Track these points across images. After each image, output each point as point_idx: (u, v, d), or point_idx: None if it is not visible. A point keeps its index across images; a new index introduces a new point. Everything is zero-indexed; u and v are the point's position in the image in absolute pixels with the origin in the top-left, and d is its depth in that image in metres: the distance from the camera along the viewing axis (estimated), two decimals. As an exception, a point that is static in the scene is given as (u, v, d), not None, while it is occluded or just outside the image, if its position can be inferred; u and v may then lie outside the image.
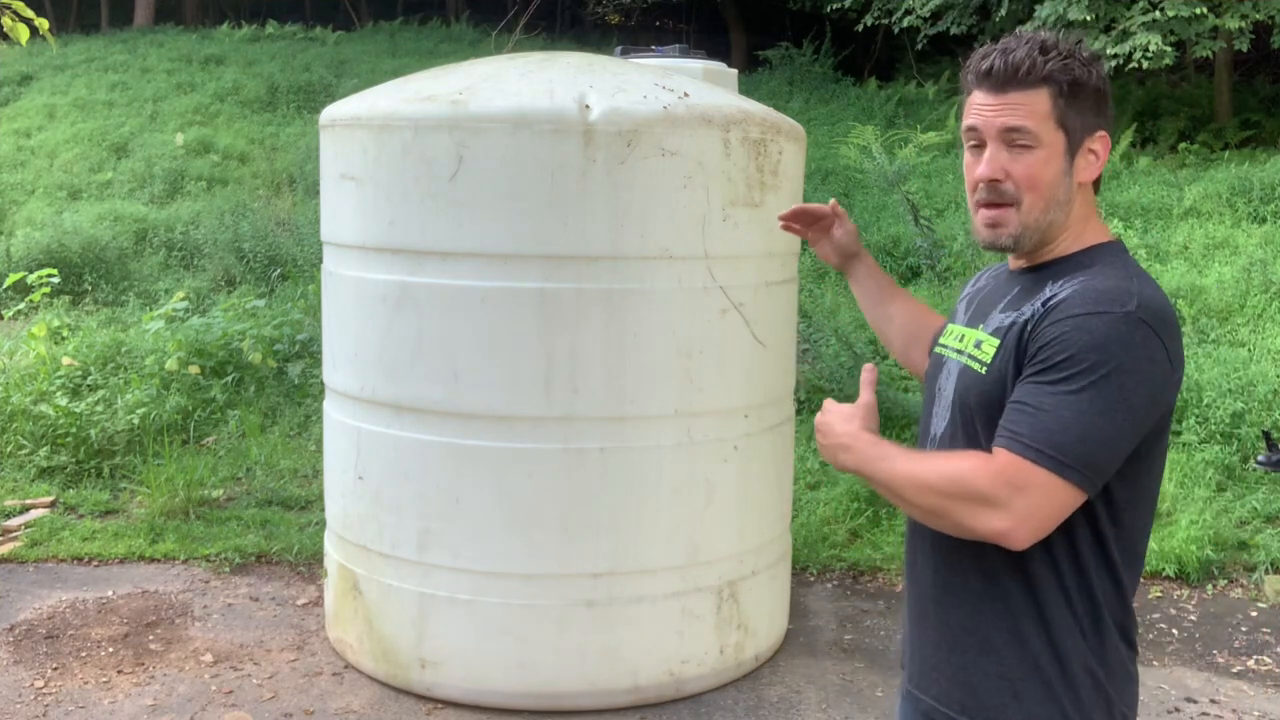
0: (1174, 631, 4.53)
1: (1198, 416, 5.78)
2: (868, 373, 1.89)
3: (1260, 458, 4.03)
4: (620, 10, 19.51)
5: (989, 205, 1.76)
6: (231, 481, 5.84)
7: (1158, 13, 8.84)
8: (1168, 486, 5.31)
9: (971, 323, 1.88)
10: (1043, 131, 1.72)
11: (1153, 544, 4.95)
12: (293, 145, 11.33)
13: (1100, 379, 1.59)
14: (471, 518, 3.65)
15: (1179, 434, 5.70)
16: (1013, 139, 1.72)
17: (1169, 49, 8.82)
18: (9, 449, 5.92)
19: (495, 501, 3.63)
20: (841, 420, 1.82)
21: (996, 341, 1.75)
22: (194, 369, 6.51)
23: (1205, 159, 9.66)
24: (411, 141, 3.57)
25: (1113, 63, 8.99)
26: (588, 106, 3.51)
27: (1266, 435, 4.00)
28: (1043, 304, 1.70)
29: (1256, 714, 3.91)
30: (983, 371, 1.75)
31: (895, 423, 5.91)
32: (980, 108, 1.75)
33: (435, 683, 3.78)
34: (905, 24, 11.39)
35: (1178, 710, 3.91)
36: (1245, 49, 9.38)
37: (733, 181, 3.65)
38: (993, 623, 1.76)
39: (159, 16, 18.13)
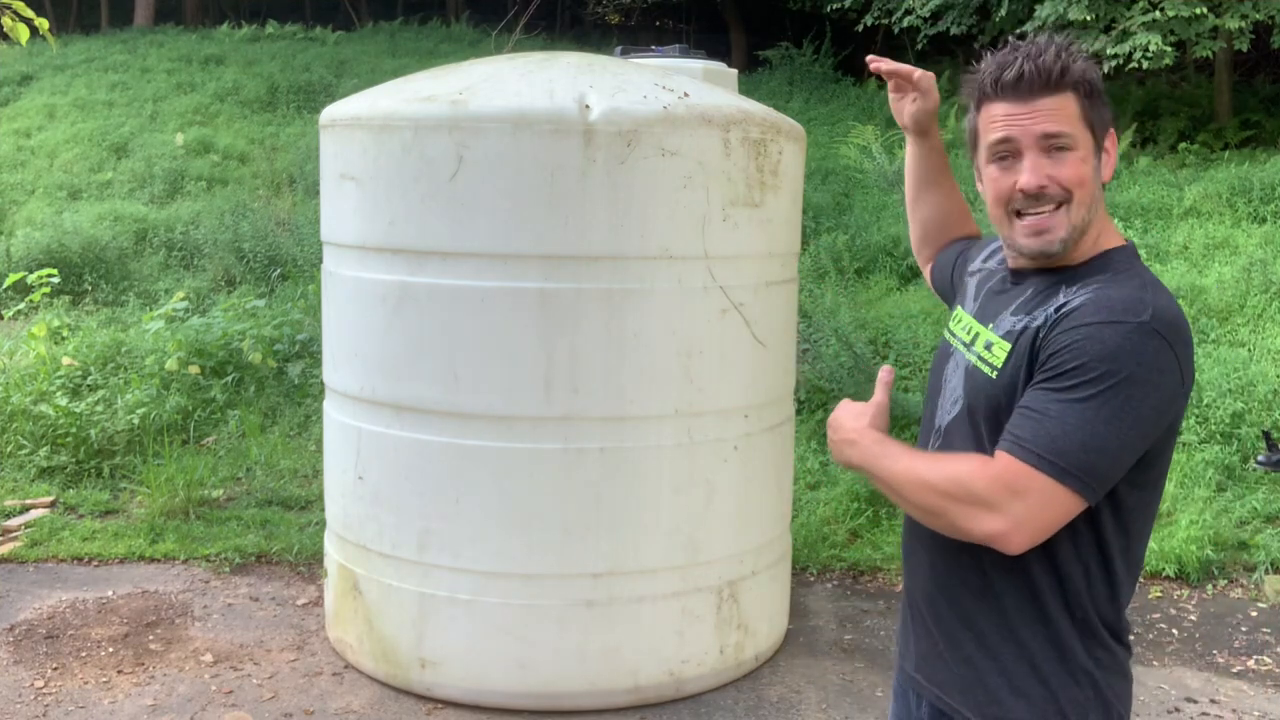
0: (1174, 631, 4.53)
1: (1198, 416, 5.78)
2: (885, 374, 1.90)
3: (1260, 458, 4.03)
4: (620, 10, 19.51)
5: (1029, 214, 1.73)
6: (231, 481, 5.84)
7: (1158, 13, 8.84)
8: (1168, 487, 5.31)
9: (981, 317, 1.87)
10: (1077, 133, 1.71)
11: (1153, 544, 4.95)
12: (293, 145, 11.33)
13: (1109, 388, 1.58)
14: (471, 518, 3.65)
15: (1179, 434, 5.70)
16: (1052, 144, 1.70)
17: (1169, 49, 8.82)
18: (9, 449, 5.92)
19: (495, 501, 3.63)
20: (851, 417, 1.84)
21: (1008, 346, 1.74)
22: (194, 369, 6.51)
23: (1205, 159, 9.66)
24: (411, 141, 3.57)
25: (1113, 63, 8.98)
26: (588, 106, 3.51)
27: (1266, 435, 4.01)
28: (1055, 310, 1.69)
29: (1256, 714, 3.91)
30: (993, 376, 1.74)
31: (895, 422, 5.92)
32: (1011, 118, 1.71)
33: (435, 683, 3.78)
34: (905, 24, 11.39)
35: (1178, 710, 3.91)
36: (1245, 49, 9.38)
37: (733, 181, 3.65)
38: (990, 621, 1.77)
39: (159, 16, 18.12)
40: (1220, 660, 4.30)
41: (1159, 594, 4.85)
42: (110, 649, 4.17)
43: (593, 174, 3.49)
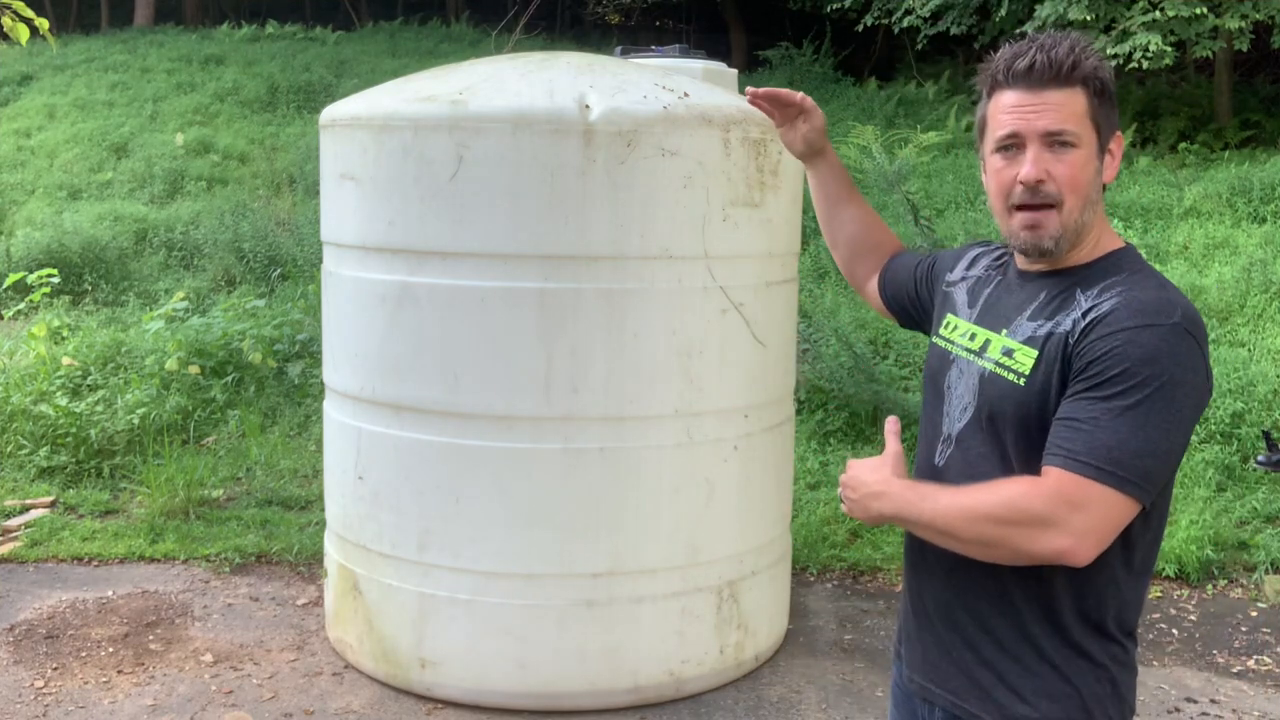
0: (1174, 631, 4.53)
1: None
2: (892, 424, 1.88)
3: (1260, 458, 4.03)
4: (620, 10, 19.50)
5: (1027, 208, 1.73)
6: (231, 481, 5.84)
7: (1158, 13, 8.84)
8: (1168, 487, 5.30)
9: (986, 323, 1.85)
10: (1082, 131, 1.71)
11: (1153, 544, 4.94)
12: (293, 145, 11.33)
13: (1154, 392, 1.59)
14: (471, 518, 3.65)
15: (1187, 433, 5.70)
16: (1054, 139, 1.71)
17: (1169, 49, 8.82)
18: (9, 449, 5.92)
19: (495, 501, 3.63)
20: (869, 470, 1.80)
21: (1034, 352, 1.72)
22: (194, 369, 6.51)
23: (1205, 159, 9.66)
24: (411, 141, 3.57)
25: (1113, 63, 8.97)
26: (588, 106, 3.51)
27: (1266, 435, 4.00)
28: (1082, 315, 1.68)
29: (1256, 714, 3.91)
30: (1020, 384, 1.72)
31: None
32: (1018, 109, 1.72)
33: (435, 683, 3.78)
34: (905, 24, 11.39)
35: (1178, 710, 3.91)
36: (1245, 49, 9.38)
37: (733, 181, 3.65)
38: (1007, 626, 1.77)
39: (159, 16, 18.12)
40: (1220, 660, 4.30)
41: (1159, 594, 4.85)
42: (110, 649, 4.17)
43: (593, 174, 3.49)
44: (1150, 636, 4.47)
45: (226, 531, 5.22)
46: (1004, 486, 1.67)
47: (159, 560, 5.00)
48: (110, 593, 4.66)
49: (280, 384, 6.77)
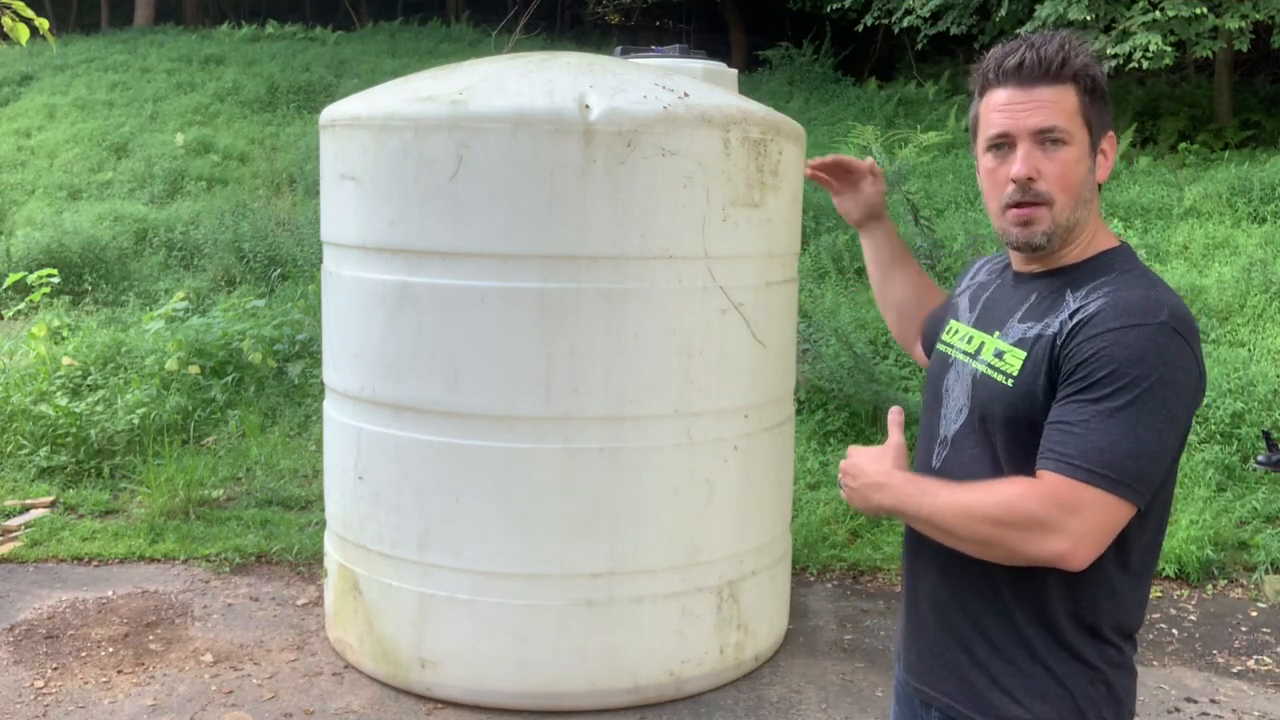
0: (1174, 631, 4.53)
1: (1198, 417, 5.78)
2: (895, 414, 1.86)
3: (1260, 458, 4.03)
4: (620, 10, 19.50)
5: (1019, 205, 1.73)
6: (231, 481, 5.84)
7: (1158, 13, 8.84)
8: (1168, 487, 5.30)
9: (982, 326, 1.85)
10: (1073, 128, 1.71)
11: (1153, 544, 4.94)
12: (293, 145, 11.34)
13: (1143, 392, 1.58)
14: (471, 518, 3.65)
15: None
16: (1045, 137, 1.70)
17: (1169, 49, 8.82)
18: (9, 449, 5.92)
19: (495, 501, 3.63)
20: (871, 461, 1.79)
21: (1022, 354, 1.72)
22: (194, 369, 6.51)
23: (1205, 159, 9.66)
24: (411, 141, 3.57)
25: (1113, 63, 8.98)
26: (588, 106, 3.51)
27: (1266, 435, 4.00)
28: (1069, 316, 1.68)
29: (1256, 714, 3.91)
30: (1009, 384, 1.73)
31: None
32: (1008, 107, 1.72)
33: (435, 683, 3.78)
34: (905, 24, 11.39)
35: (1178, 710, 3.91)
36: (1245, 49, 9.38)
37: (733, 181, 3.65)
38: (1001, 627, 1.76)
39: (159, 16, 18.13)
40: (1220, 660, 4.30)
41: (1159, 594, 4.85)
42: (110, 649, 4.17)
43: (593, 174, 3.49)
44: (1150, 636, 4.47)
45: (226, 531, 5.22)
46: (1001, 487, 1.66)
47: (159, 560, 5.00)
48: (110, 593, 4.66)
49: (280, 384, 6.77)
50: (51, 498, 5.58)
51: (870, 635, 4.42)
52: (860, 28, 12.30)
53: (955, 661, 1.82)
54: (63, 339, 7.27)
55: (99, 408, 6.08)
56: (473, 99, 3.55)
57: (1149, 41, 8.72)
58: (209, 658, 4.11)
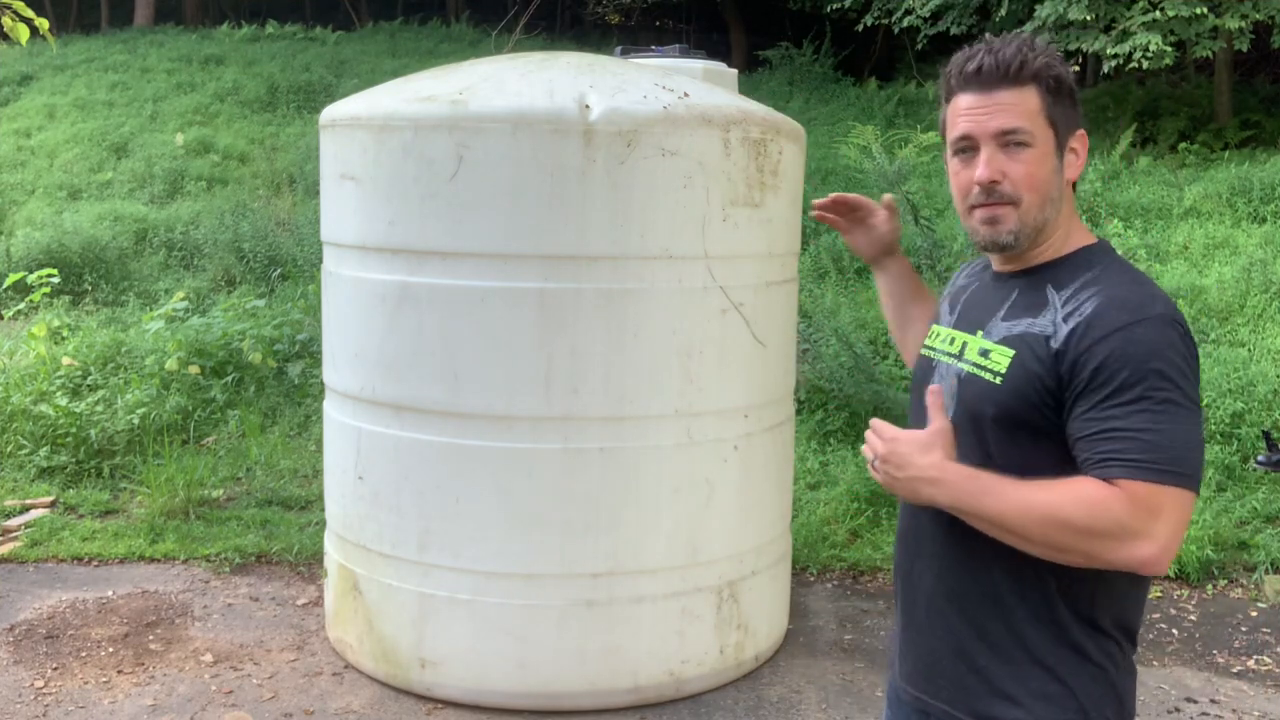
0: (1174, 631, 4.53)
1: (1198, 416, 5.78)
2: (935, 395, 1.74)
3: (1260, 458, 4.03)
4: (620, 10, 19.51)
5: (984, 205, 1.75)
6: (231, 481, 5.84)
7: (1158, 13, 8.84)
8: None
9: (963, 326, 1.86)
10: (1035, 129, 1.72)
11: (1153, 544, 4.94)
12: (293, 145, 11.34)
13: (1170, 386, 1.60)
14: (471, 518, 3.65)
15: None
16: (1008, 139, 1.72)
17: (1169, 49, 8.82)
18: (9, 449, 5.92)
19: (495, 501, 3.63)
20: (919, 450, 1.69)
21: (1010, 352, 1.72)
22: (194, 369, 6.51)
23: (1205, 159, 9.66)
24: (411, 141, 3.57)
25: (1113, 63, 8.99)
26: (588, 106, 3.51)
27: (1266, 435, 4.00)
28: (1063, 318, 1.68)
29: (1256, 714, 3.91)
30: (998, 383, 1.73)
31: (898, 423, 5.90)
32: (970, 111, 1.74)
33: (435, 683, 3.78)
34: (905, 24, 11.39)
35: (1178, 710, 3.91)
36: (1245, 49, 9.38)
37: (733, 181, 3.65)
38: (1001, 629, 1.76)
39: (159, 16, 18.13)
40: (1220, 660, 4.30)
41: (1159, 594, 4.85)
42: (110, 649, 4.17)
43: (593, 174, 3.49)
44: (1150, 636, 4.47)
45: (226, 531, 5.22)
46: (1075, 489, 1.62)
47: (159, 560, 5.00)
48: (110, 593, 4.66)
49: (280, 384, 6.77)
50: (51, 498, 5.58)
51: (870, 635, 4.42)
52: (860, 28, 12.30)
53: (954, 667, 1.81)
54: (63, 339, 7.27)
55: (99, 408, 6.08)
56: (473, 99, 3.55)
57: (1149, 41, 8.72)
58: (209, 658, 4.11)
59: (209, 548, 5.05)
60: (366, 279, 3.76)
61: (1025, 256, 1.79)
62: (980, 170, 1.73)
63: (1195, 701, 3.97)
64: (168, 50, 14.68)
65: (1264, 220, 7.96)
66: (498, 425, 3.61)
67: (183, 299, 7.65)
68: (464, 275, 3.58)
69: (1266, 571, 4.93)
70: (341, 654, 4.09)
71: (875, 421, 1.76)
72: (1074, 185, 1.81)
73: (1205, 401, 5.80)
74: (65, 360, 6.59)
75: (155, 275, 8.88)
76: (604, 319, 3.56)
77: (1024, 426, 1.70)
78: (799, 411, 6.22)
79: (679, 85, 3.73)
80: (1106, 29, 9.27)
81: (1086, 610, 1.73)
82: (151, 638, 4.27)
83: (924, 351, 1.94)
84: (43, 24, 5.10)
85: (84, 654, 4.12)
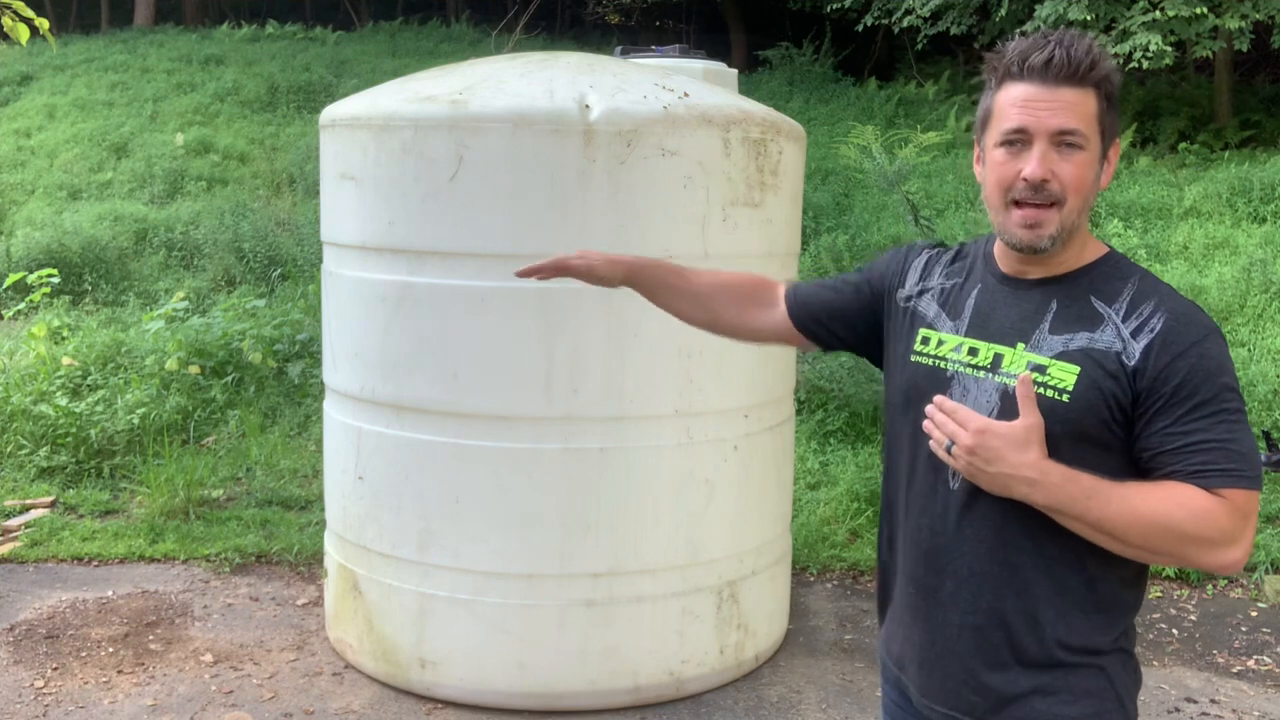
0: (1174, 631, 4.53)
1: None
2: (1026, 386, 1.66)
3: (1260, 458, 4.03)
4: (620, 10, 19.51)
5: (1027, 205, 1.71)
6: (231, 481, 5.84)
7: (1158, 13, 8.84)
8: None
9: (986, 336, 1.79)
10: (1090, 133, 1.70)
11: (1153, 544, 4.94)
12: (293, 145, 11.33)
13: (1236, 397, 1.68)
14: (472, 518, 3.65)
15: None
16: (1064, 139, 1.68)
17: (1169, 49, 8.82)
18: (9, 449, 5.92)
19: (495, 501, 3.63)
20: (1014, 447, 1.65)
21: (1075, 369, 1.69)
22: (194, 369, 6.51)
23: (1205, 159, 9.66)
24: (411, 141, 3.57)
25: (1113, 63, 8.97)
26: (588, 106, 3.51)
27: (1266, 435, 4.00)
28: (1132, 334, 1.68)
29: (1256, 714, 3.91)
30: (1065, 400, 1.69)
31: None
32: (1030, 104, 1.69)
33: (435, 683, 3.78)
34: (905, 24, 11.39)
35: (1178, 710, 3.91)
36: (1245, 49, 9.38)
37: (733, 181, 3.65)
38: (1037, 644, 1.75)
39: (159, 16, 18.12)
40: (1220, 660, 4.30)
41: (1159, 594, 4.85)
42: (110, 649, 4.17)
43: (593, 174, 3.49)
44: (1150, 636, 4.47)
45: (226, 531, 5.22)
46: (1181, 496, 1.64)
47: (159, 560, 5.00)
48: (110, 593, 4.66)
49: (280, 384, 6.77)
50: (51, 498, 5.58)
51: (870, 635, 4.42)
52: (860, 28, 12.30)
53: (991, 681, 1.78)
54: (63, 339, 7.27)
55: (99, 408, 6.08)
56: (473, 99, 3.55)
57: (1149, 41, 8.72)
58: (209, 658, 4.11)
59: (209, 548, 5.05)
60: (366, 279, 3.76)
61: (1051, 262, 1.76)
62: (1032, 166, 1.68)
63: (1195, 701, 3.97)
64: (168, 50, 14.67)
65: (1264, 220, 7.96)
66: (498, 425, 3.61)
67: (183, 299, 7.65)
68: (464, 275, 3.58)
69: (1266, 571, 4.93)
70: (341, 654, 4.10)
71: (950, 404, 1.70)
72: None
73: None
74: (65, 360, 6.59)
75: (155, 275, 8.88)
76: (604, 319, 3.56)
77: (1090, 441, 1.69)
78: (799, 411, 6.22)
79: (679, 85, 3.73)
80: (1106, 29, 9.27)
81: (1119, 616, 1.77)
82: (151, 638, 4.27)
83: (921, 360, 1.86)
84: (43, 24, 5.10)
85: (84, 654, 4.12)
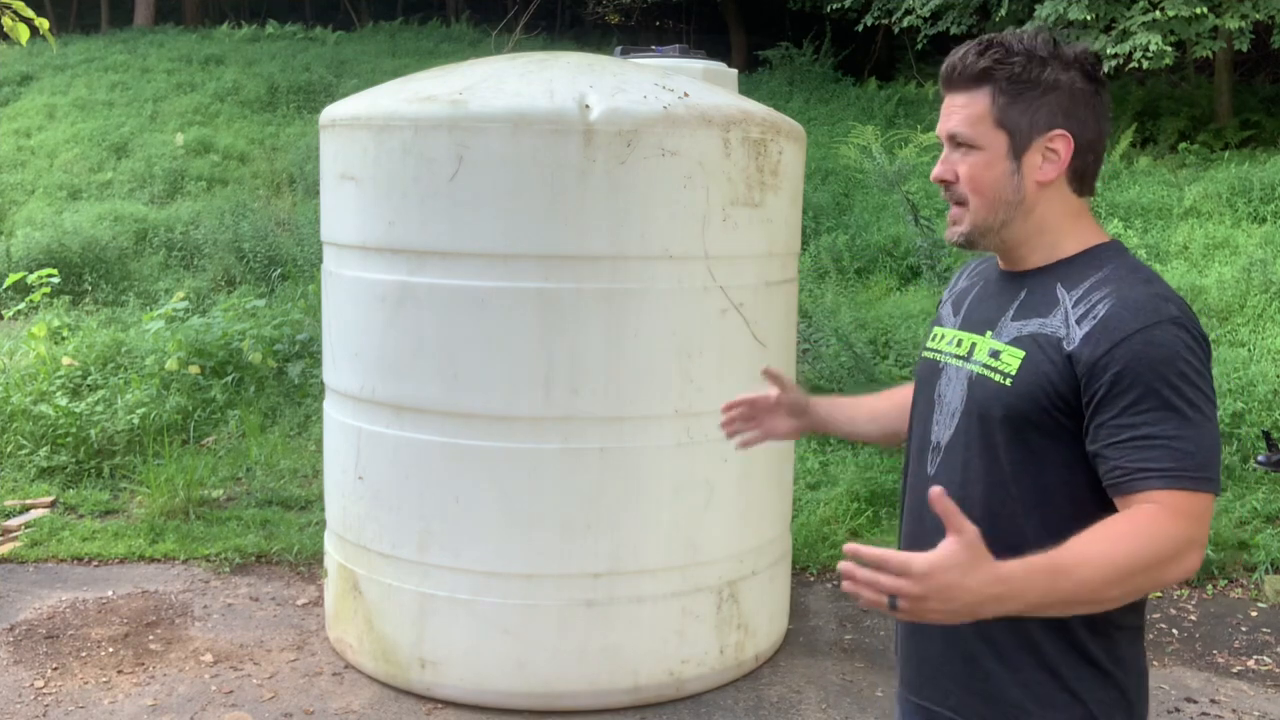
0: (1174, 631, 4.53)
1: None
2: (940, 501, 1.46)
3: (1260, 458, 4.02)
4: (620, 10, 19.52)
5: (951, 205, 1.80)
6: (231, 481, 5.84)
7: (1158, 13, 8.84)
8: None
9: (970, 327, 1.84)
10: (978, 134, 1.73)
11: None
12: (293, 145, 11.33)
13: (1191, 389, 1.60)
14: (471, 518, 3.65)
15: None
16: (956, 141, 1.76)
17: (1169, 49, 8.82)
18: (9, 449, 5.92)
19: (495, 501, 3.63)
20: (964, 571, 1.44)
21: (1020, 353, 1.70)
22: (194, 369, 6.51)
23: (1205, 159, 9.66)
24: (411, 141, 3.57)
25: (1113, 63, 8.98)
26: (588, 106, 3.51)
27: (1266, 435, 4.00)
28: (1077, 320, 1.66)
29: (1256, 714, 3.91)
30: (1007, 384, 1.70)
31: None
32: (943, 110, 1.79)
33: (435, 683, 3.78)
34: (905, 24, 11.39)
35: (1178, 710, 3.91)
36: (1245, 49, 9.38)
37: (733, 181, 3.65)
38: (1007, 634, 1.73)
39: (159, 16, 18.12)
40: (1220, 660, 4.30)
41: (1159, 594, 4.85)
42: (110, 649, 4.17)
43: (593, 174, 3.49)
44: (1150, 636, 4.47)
45: (226, 531, 5.22)
46: (1126, 526, 1.56)
47: (159, 560, 5.00)
48: (110, 593, 4.66)
49: (280, 384, 6.77)
50: (51, 498, 5.57)
51: (870, 635, 4.42)
52: (860, 28, 12.30)
53: (960, 673, 1.79)
54: (63, 339, 7.27)
55: (99, 408, 6.08)
56: (473, 99, 3.55)
57: (1149, 41, 8.72)
58: (209, 658, 4.11)
59: (209, 548, 5.05)
60: (366, 279, 3.76)
61: (1021, 257, 1.78)
62: (935, 169, 1.80)
63: (1195, 701, 3.97)
64: (168, 50, 14.67)
65: (1264, 220, 7.96)
66: (498, 425, 3.61)
67: (183, 299, 7.65)
68: (464, 275, 3.58)
69: (1266, 571, 4.93)
70: (341, 654, 4.10)
71: (877, 554, 1.45)
72: (1083, 186, 1.77)
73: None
74: (65, 360, 6.59)
75: (155, 275, 8.88)
76: (604, 319, 3.56)
77: (1033, 427, 1.68)
78: (799, 411, 6.21)
79: (679, 85, 3.73)
80: (1106, 29, 9.27)
81: (1096, 615, 1.69)
82: (151, 638, 4.27)
83: (927, 354, 1.91)
84: (43, 24, 5.09)
85: (84, 654, 4.13)
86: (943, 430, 1.82)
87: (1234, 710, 3.92)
